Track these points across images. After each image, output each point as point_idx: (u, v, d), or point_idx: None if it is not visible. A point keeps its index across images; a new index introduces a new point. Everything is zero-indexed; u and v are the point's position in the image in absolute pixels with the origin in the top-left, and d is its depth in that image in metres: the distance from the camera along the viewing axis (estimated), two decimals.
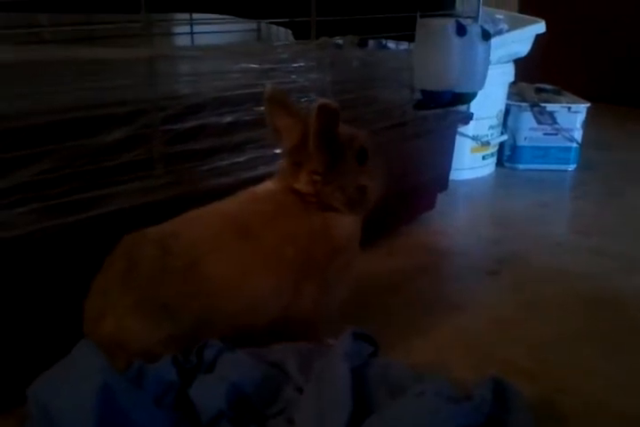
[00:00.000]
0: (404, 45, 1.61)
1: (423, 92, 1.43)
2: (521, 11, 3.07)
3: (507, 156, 2.17)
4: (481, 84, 1.56)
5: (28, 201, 0.81)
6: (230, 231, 0.85)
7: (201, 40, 1.61)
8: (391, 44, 1.74)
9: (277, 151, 1.05)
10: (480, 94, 1.54)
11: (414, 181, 1.45)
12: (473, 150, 2.01)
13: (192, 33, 1.34)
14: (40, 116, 0.79)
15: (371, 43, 1.77)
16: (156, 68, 0.91)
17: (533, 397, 0.88)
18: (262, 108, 0.92)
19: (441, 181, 1.60)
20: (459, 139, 1.77)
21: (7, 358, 0.84)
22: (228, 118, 1.01)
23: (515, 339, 1.08)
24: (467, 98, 1.55)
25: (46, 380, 0.68)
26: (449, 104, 1.49)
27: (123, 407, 0.65)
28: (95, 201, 0.86)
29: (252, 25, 1.74)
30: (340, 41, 1.30)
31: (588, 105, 2.10)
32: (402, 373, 0.79)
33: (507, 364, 1.00)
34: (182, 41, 1.62)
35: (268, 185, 0.91)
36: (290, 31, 1.80)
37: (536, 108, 2.12)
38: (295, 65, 1.12)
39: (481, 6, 1.55)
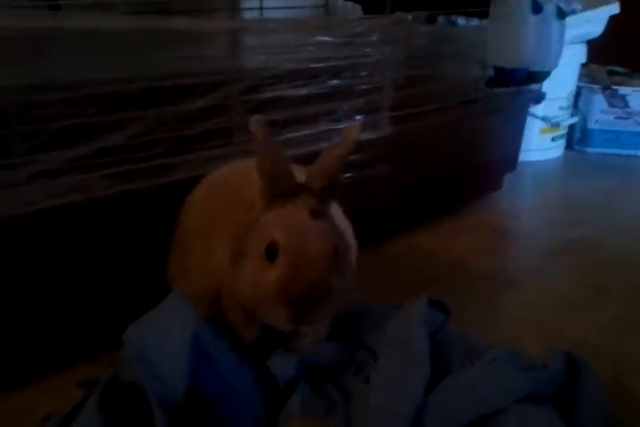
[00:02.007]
0: (474, 22, 1.59)
1: (496, 69, 1.41)
2: None
3: (577, 138, 2.11)
4: (555, 63, 1.52)
5: (112, 165, 0.85)
6: None
7: (269, 15, 1.61)
8: (461, 21, 1.71)
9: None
10: (551, 74, 1.51)
11: (483, 160, 1.44)
12: (542, 131, 1.96)
13: (261, 8, 1.36)
14: (131, 83, 0.83)
15: (440, 19, 1.74)
16: (238, 40, 0.94)
17: (605, 376, 0.87)
18: (336, 81, 0.93)
19: (509, 160, 1.58)
20: (528, 119, 1.74)
21: (94, 307, 0.90)
22: (303, 91, 1.03)
23: (585, 320, 1.06)
24: (540, 76, 1.52)
25: (141, 327, 0.72)
26: (522, 82, 1.46)
27: (211, 355, 0.69)
28: (176, 167, 0.90)
29: (320, 0, 1.73)
30: (410, 16, 1.29)
31: None
32: (476, 340, 0.80)
33: (577, 343, 0.98)
34: (251, 16, 1.62)
35: None
36: (359, 6, 1.80)
37: (608, 91, 2.06)
38: (369, 39, 1.12)
39: None
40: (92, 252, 0.88)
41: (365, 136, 1.14)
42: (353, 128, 0.75)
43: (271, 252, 0.68)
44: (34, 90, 0.76)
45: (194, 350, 0.67)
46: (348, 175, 1.13)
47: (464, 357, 0.78)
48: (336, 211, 0.82)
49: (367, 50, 1.12)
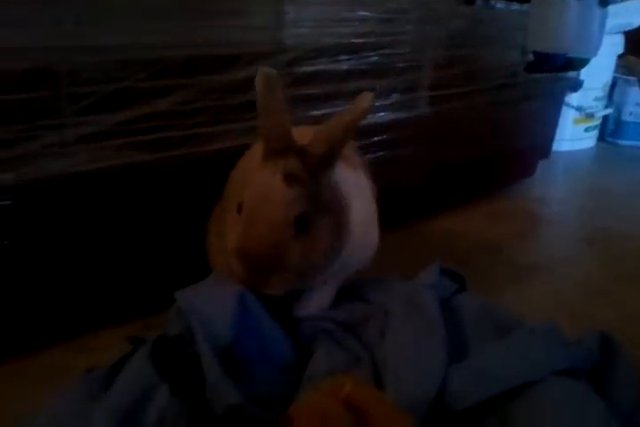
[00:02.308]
0: (514, 6, 1.57)
1: (535, 53, 1.39)
2: None
3: (610, 130, 2.09)
4: (595, 51, 1.50)
5: (155, 130, 0.86)
6: None
7: None
8: (500, 5, 1.69)
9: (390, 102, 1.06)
10: (589, 64, 1.49)
11: (518, 145, 1.43)
12: (576, 122, 1.94)
13: None
14: (178, 50, 0.83)
15: (478, 1, 1.73)
16: (282, 13, 0.94)
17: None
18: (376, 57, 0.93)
19: (543, 147, 1.57)
20: (563, 108, 1.72)
21: (130, 272, 0.92)
22: (344, 66, 1.03)
23: (615, 307, 1.06)
24: (579, 64, 1.50)
25: (195, 291, 0.76)
26: (561, 68, 1.45)
27: (255, 318, 0.72)
28: (217, 136, 0.91)
29: None
30: None
31: None
32: (506, 312, 0.81)
33: (609, 329, 0.98)
34: None
35: None
36: None
37: None
38: (410, 16, 1.11)
39: None
40: (130, 216, 0.89)
41: (403, 115, 1.14)
42: (365, 97, 0.72)
43: (239, 210, 0.70)
44: (85, 52, 0.77)
45: (241, 311, 0.69)
46: (383, 153, 1.14)
47: (496, 327, 0.78)
48: (348, 177, 0.79)
49: (408, 27, 1.11)
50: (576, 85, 1.59)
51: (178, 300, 0.73)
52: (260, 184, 0.69)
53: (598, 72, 1.89)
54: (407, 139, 1.17)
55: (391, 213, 0.94)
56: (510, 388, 0.66)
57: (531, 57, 1.40)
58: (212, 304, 0.71)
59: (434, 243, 1.25)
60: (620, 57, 2.04)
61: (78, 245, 0.87)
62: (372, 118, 1.07)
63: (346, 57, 1.04)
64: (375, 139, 1.11)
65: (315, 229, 0.70)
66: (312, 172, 0.70)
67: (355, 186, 0.80)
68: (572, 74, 1.56)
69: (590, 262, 1.24)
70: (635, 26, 1.99)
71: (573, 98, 1.84)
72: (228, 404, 0.60)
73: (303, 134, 0.73)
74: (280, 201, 0.68)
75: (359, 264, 0.85)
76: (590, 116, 1.95)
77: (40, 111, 0.74)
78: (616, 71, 2.04)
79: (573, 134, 1.95)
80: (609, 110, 2.04)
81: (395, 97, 1.12)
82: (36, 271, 0.85)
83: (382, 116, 1.10)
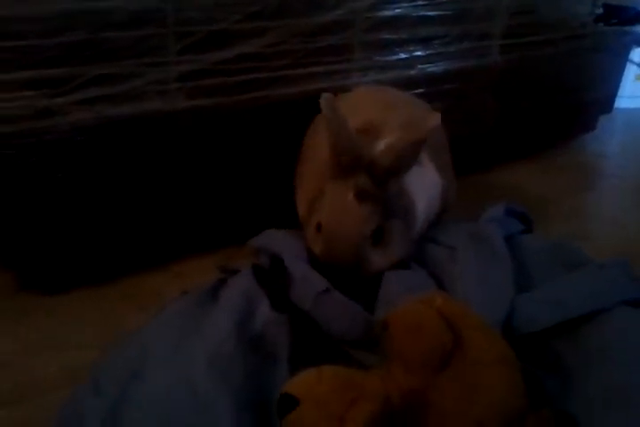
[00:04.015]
0: None
1: (606, 5, 1.39)
2: None
3: None
4: None
5: (245, 71, 0.91)
6: None
7: None
8: None
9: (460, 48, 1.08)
10: None
11: (581, 98, 1.44)
12: (637, 78, 1.91)
13: None
14: None
15: None
16: None
17: None
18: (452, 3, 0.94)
19: (606, 102, 1.57)
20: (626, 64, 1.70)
21: (216, 205, 0.99)
22: (421, 11, 1.05)
23: None
24: None
25: (268, 234, 0.84)
26: (630, 21, 1.44)
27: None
28: (301, 79, 0.95)
29: None
30: None
31: None
32: (574, 251, 0.84)
33: None
34: None
35: None
36: None
37: None
38: None
39: None
40: (218, 154, 0.95)
41: (474, 62, 1.16)
42: (434, 117, 0.76)
43: (318, 228, 0.77)
44: None
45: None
46: (451, 101, 1.16)
47: (565, 264, 0.82)
48: (419, 176, 0.83)
49: None
50: None
51: (252, 243, 0.82)
52: (334, 204, 0.75)
53: None
54: (475, 88, 1.19)
55: (454, 163, 0.98)
56: (579, 315, 0.70)
57: (601, 9, 1.40)
58: (286, 249, 0.78)
59: (494, 194, 1.27)
60: None
61: (176, 176, 0.93)
62: (443, 65, 1.09)
63: (423, 2, 1.06)
64: (445, 86, 1.14)
65: (388, 235, 0.76)
66: (381, 183, 0.74)
67: (418, 180, 0.83)
68: (639, 28, 1.54)
69: None
70: None
71: (636, 54, 1.81)
72: (316, 291, 0.67)
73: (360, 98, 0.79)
74: (356, 221, 0.73)
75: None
76: None
77: (148, 49, 0.80)
78: None
79: (634, 91, 1.92)
80: None
81: (467, 44, 1.13)
82: (132, 201, 0.92)
83: (453, 64, 1.13)
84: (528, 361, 0.64)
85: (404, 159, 0.75)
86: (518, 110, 1.34)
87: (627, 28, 1.49)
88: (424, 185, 0.85)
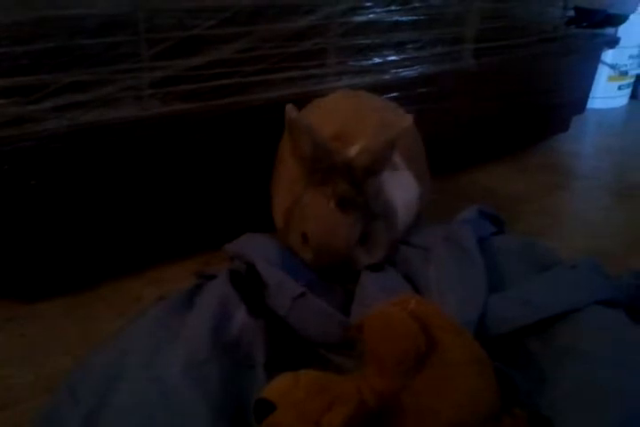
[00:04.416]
0: None
1: (577, 9, 1.41)
2: None
3: None
4: (634, 8, 1.53)
5: (218, 77, 0.91)
6: None
7: None
8: None
9: (433, 52, 1.09)
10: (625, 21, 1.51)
11: (553, 99, 1.46)
12: (610, 79, 1.95)
13: None
14: None
15: None
16: None
17: None
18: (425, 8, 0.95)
19: (578, 103, 1.59)
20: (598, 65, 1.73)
21: (190, 211, 0.99)
22: (395, 16, 1.06)
23: None
24: (618, 20, 1.52)
25: (243, 240, 0.84)
26: (600, 24, 1.47)
27: (293, 258, 0.80)
28: (275, 83, 0.95)
29: None
30: None
31: None
32: (545, 251, 0.86)
33: None
34: None
35: None
36: None
37: None
38: None
39: None
40: (191, 159, 0.95)
41: (447, 67, 1.17)
42: (406, 119, 0.79)
43: (305, 239, 0.78)
44: None
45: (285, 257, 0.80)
46: (424, 105, 1.17)
47: (535, 264, 0.83)
48: (397, 181, 0.85)
49: None
50: (613, 42, 1.60)
51: (227, 249, 0.82)
52: (318, 215, 0.76)
53: (634, 30, 1.88)
54: (449, 91, 1.21)
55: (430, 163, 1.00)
56: (552, 315, 0.71)
57: (572, 12, 1.42)
58: (261, 256, 0.79)
59: (468, 195, 1.29)
60: None
61: (149, 183, 0.93)
62: (417, 69, 1.10)
63: (396, 7, 1.07)
64: (419, 90, 1.15)
65: (373, 235, 0.79)
66: (359, 186, 0.76)
67: (395, 184, 0.85)
68: (609, 30, 1.58)
69: (623, 215, 1.27)
70: None
71: (608, 55, 1.84)
72: (292, 296, 0.68)
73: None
74: (342, 231, 0.75)
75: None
76: (624, 73, 1.96)
77: (120, 56, 0.80)
78: None
79: (606, 92, 1.96)
80: None
81: (440, 49, 1.15)
82: (107, 207, 0.91)
83: (427, 68, 1.14)
84: (501, 361, 0.65)
85: (380, 158, 0.76)
86: (492, 112, 1.36)
87: (598, 31, 1.52)
88: (402, 189, 0.87)
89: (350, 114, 0.88)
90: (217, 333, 0.67)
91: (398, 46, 1.10)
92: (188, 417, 0.58)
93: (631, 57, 1.97)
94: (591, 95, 1.79)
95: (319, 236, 0.76)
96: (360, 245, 0.78)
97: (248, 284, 0.76)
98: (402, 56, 1.10)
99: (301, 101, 0.95)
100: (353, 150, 0.78)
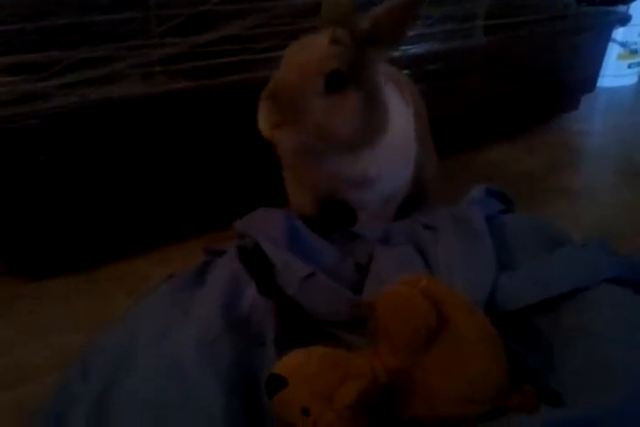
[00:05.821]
0: None
1: None
2: None
3: None
4: None
5: (228, 54, 0.90)
6: None
7: None
8: None
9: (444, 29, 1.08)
10: None
11: (564, 78, 1.44)
12: (620, 57, 1.93)
13: None
14: None
15: None
16: None
17: None
18: None
19: (588, 81, 1.58)
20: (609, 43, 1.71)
21: (199, 190, 0.99)
22: None
23: None
24: None
25: (252, 217, 0.85)
26: (612, 1, 1.45)
27: (302, 234, 0.81)
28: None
29: None
30: None
31: None
32: (555, 230, 0.85)
33: None
34: None
35: None
36: None
37: None
38: None
39: None
40: (206, 134, 0.95)
41: (458, 44, 1.16)
42: None
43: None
44: None
45: (290, 231, 0.80)
46: (435, 82, 1.16)
47: (546, 242, 0.83)
48: (393, 94, 0.83)
49: None
50: (625, 19, 1.57)
51: (236, 227, 0.82)
52: (305, 41, 0.74)
53: None
54: (459, 68, 1.19)
55: (437, 143, 0.99)
56: (561, 293, 0.71)
57: None
58: (269, 232, 0.79)
59: (477, 173, 1.29)
60: None
61: (154, 163, 0.93)
62: (427, 46, 1.09)
63: None
64: (429, 67, 1.14)
65: (346, 96, 0.72)
66: (359, 42, 0.73)
67: (397, 104, 0.83)
68: (621, 8, 1.55)
69: (631, 194, 1.27)
70: None
71: (619, 33, 1.82)
72: (299, 277, 0.68)
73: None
74: (318, 52, 0.71)
75: (406, 185, 0.91)
76: (634, 52, 1.94)
77: (130, 32, 0.79)
78: None
79: (616, 70, 1.94)
80: None
81: (451, 25, 1.13)
82: (116, 185, 0.92)
83: (437, 45, 1.13)
84: (510, 338, 0.66)
85: (381, 22, 0.73)
86: (502, 90, 1.35)
87: (609, 8, 1.50)
88: (401, 107, 0.84)
89: None
90: (228, 310, 0.68)
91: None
92: (200, 394, 0.59)
93: None
94: (601, 73, 1.78)
95: (295, 50, 0.73)
96: (326, 91, 0.71)
97: (257, 261, 0.76)
98: (412, 33, 1.09)
99: None
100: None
